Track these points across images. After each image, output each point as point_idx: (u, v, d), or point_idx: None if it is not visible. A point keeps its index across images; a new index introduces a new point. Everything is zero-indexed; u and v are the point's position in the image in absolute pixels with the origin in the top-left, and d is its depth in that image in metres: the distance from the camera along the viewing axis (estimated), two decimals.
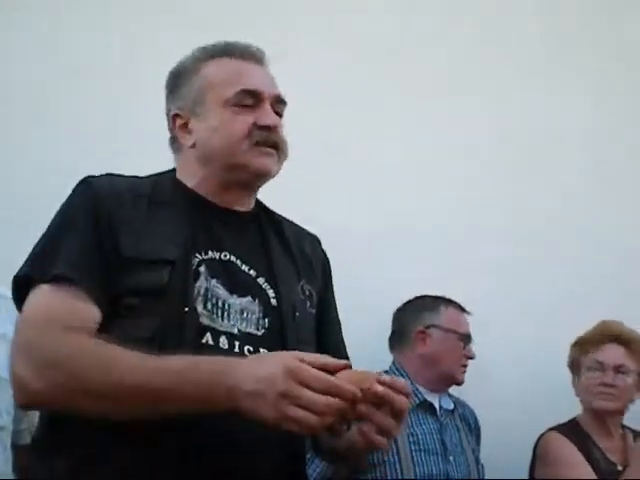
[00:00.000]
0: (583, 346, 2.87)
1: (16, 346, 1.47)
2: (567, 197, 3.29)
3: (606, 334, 2.84)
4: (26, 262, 1.52)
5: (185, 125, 1.64)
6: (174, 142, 1.68)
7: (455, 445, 2.70)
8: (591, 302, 3.11)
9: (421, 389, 2.73)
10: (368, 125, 3.05)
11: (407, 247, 3.06)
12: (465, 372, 2.79)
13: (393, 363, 2.82)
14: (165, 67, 2.45)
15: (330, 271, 1.80)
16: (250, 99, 1.59)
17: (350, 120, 2.96)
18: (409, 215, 3.09)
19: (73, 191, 1.57)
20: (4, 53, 2.80)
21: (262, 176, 1.62)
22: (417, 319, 2.82)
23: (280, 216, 1.75)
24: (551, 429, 2.78)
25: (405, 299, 2.89)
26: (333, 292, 1.80)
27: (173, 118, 1.66)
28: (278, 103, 1.65)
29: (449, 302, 2.85)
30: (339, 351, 1.73)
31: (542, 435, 2.78)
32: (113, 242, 1.48)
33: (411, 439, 2.60)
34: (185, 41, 2.72)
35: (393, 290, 2.92)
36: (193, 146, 1.62)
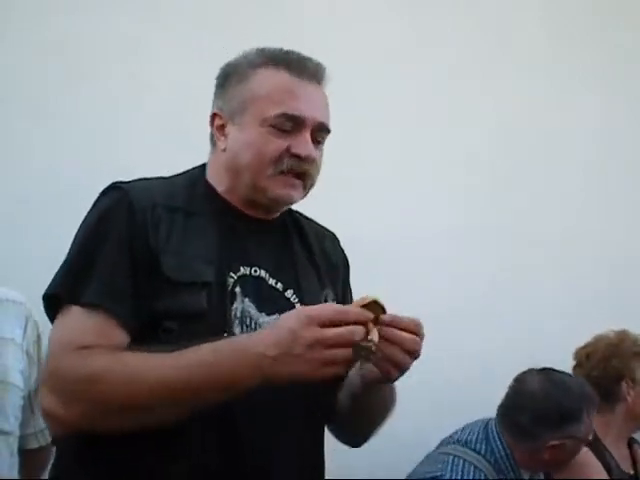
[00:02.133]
0: (618, 365, 2.84)
1: (45, 377, 1.48)
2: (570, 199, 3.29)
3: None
4: (57, 279, 1.50)
5: (222, 127, 1.61)
6: (212, 142, 1.65)
7: None
8: (594, 306, 3.13)
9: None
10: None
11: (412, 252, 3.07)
12: None
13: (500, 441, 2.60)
14: (167, 68, 2.45)
15: (349, 269, 1.81)
16: (290, 123, 1.54)
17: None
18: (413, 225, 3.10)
19: (104, 197, 1.54)
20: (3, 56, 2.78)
21: (282, 204, 1.62)
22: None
23: (301, 216, 1.74)
24: None
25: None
26: (351, 290, 1.81)
27: (213, 116, 1.63)
28: (321, 130, 1.59)
29: None
30: None
31: None
32: (151, 261, 1.46)
33: None
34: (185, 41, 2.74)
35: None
36: (224, 150, 1.60)
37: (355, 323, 1.32)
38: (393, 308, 2.76)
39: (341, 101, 2.86)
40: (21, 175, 2.68)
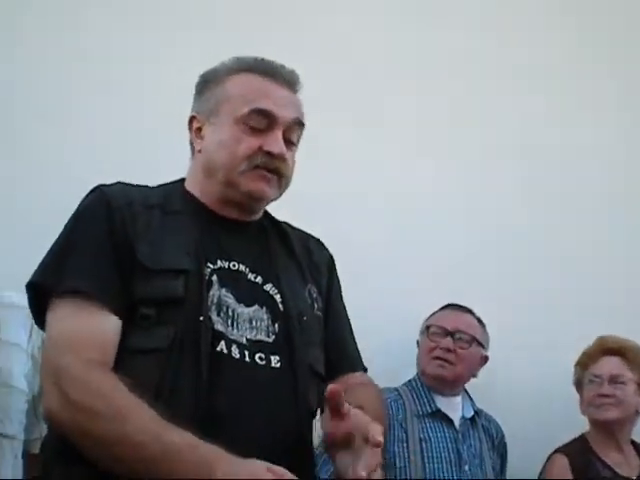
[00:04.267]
0: (583, 364, 2.92)
1: (44, 372, 1.47)
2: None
3: (601, 348, 2.89)
4: (40, 269, 1.51)
5: (199, 130, 1.65)
6: (191, 144, 1.69)
7: (473, 456, 2.68)
8: (611, 307, 3.12)
9: (437, 397, 2.72)
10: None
11: (423, 253, 3.06)
12: (440, 365, 2.72)
13: (417, 374, 2.82)
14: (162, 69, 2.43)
15: (335, 270, 1.81)
16: (263, 121, 1.58)
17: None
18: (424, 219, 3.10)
19: (85, 198, 1.57)
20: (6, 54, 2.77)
21: (256, 199, 1.62)
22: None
23: (284, 223, 1.76)
24: (557, 450, 2.79)
25: (424, 306, 2.89)
26: (340, 290, 1.80)
27: (191, 119, 1.67)
28: (294, 128, 1.63)
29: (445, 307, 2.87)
30: (346, 347, 1.75)
31: (550, 456, 2.80)
32: (129, 251, 1.48)
33: (423, 445, 2.60)
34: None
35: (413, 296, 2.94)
36: (200, 152, 1.64)
37: None
38: (413, 310, 2.81)
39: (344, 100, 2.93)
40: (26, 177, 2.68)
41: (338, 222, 2.76)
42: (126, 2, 2.90)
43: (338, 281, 1.80)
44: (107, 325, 1.45)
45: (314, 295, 1.68)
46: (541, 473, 2.80)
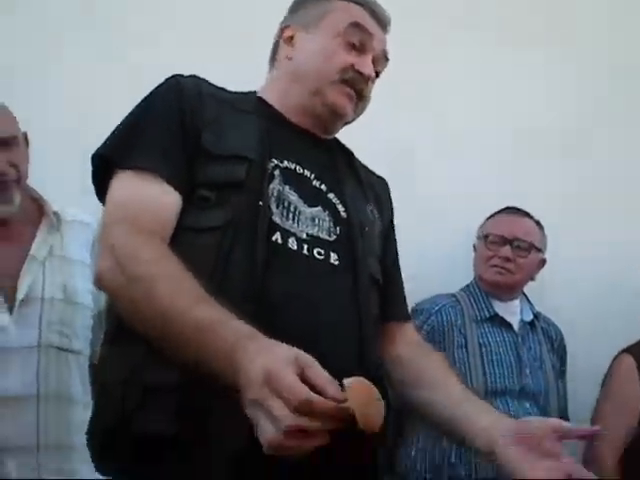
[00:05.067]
0: None
1: (100, 238, 1.49)
2: None
3: None
4: (108, 143, 1.53)
5: (291, 38, 1.69)
6: (273, 58, 1.74)
7: (533, 359, 2.68)
8: None
9: (495, 302, 2.72)
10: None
11: (475, 161, 3.02)
12: (498, 272, 2.70)
13: (474, 279, 2.81)
14: None
15: (393, 212, 1.82)
16: (359, 37, 1.64)
17: None
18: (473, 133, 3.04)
19: (159, 85, 1.59)
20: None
21: (336, 114, 1.64)
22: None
23: (354, 156, 1.77)
24: (624, 350, 2.75)
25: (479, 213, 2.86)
26: (394, 234, 1.81)
27: (282, 29, 1.72)
28: (381, 61, 1.69)
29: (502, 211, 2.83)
30: (396, 292, 1.76)
31: (616, 357, 2.76)
32: (195, 137, 1.50)
33: (483, 350, 2.60)
34: None
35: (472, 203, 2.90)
36: (290, 59, 1.67)
37: (310, 415, 1.10)
38: (468, 219, 2.78)
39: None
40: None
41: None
42: None
43: (394, 225, 1.81)
44: (166, 199, 1.46)
45: (375, 214, 1.69)
46: (607, 374, 2.77)
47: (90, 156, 1.52)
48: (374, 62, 1.66)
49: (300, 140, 1.63)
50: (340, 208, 1.59)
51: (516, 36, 3.08)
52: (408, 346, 1.69)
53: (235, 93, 1.67)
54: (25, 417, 2.08)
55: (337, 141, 1.75)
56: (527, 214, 2.79)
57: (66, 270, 2.22)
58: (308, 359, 1.15)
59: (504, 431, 1.40)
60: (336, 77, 1.61)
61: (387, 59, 1.71)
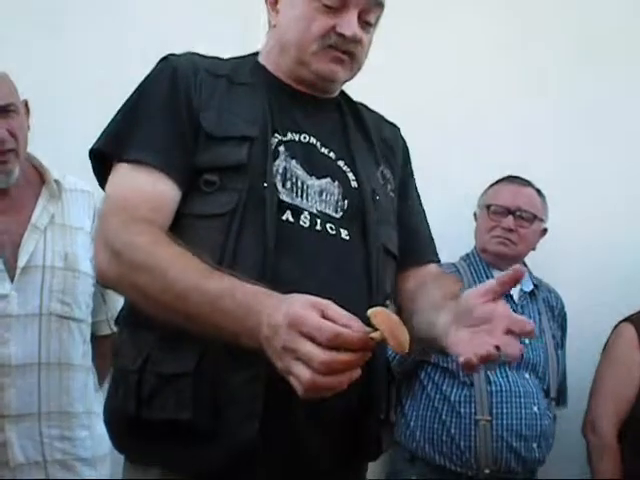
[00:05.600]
0: None
1: (98, 231, 1.50)
2: None
3: None
4: (104, 137, 1.52)
5: (275, 3, 1.60)
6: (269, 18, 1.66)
7: None
8: None
9: (495, 272, 2.70)
10: None
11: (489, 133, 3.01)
12: (502, 242, 2.69)
13: (474, 249, 2.81)
14: None
15: (409, 158, 1.78)
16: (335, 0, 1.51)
17: None
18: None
19: (153, 69, 1.57)
20: None
21: (325, 80, 1.58)
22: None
23: (360, 104, 1.73)
24: (625, 319, 2.76)
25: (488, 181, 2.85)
26: (414, 178, 1.78)
27: None
28: (371, 9, 1.56)
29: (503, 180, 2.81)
30: (419, 236, 1.72)
31: (616, 326, 2.77)
32: (193, 120, 1.48)
33: None
34: None
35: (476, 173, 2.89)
36: (275, 26, 1.61)
37: (344, 347, 1.13)
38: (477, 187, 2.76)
39: None
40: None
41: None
42: None
43: (412, 169, 1.77)
44: (163, 188, 1.45)
45: (387, 176, 1.66)
46: (607, 343, 2.78)
47: (88, 151, 1.52)
48: (362, 14, 1.54)
49: (303, 105, 1.59)
50: (351, 177, 1.57)
51: None
52: (417, 279, 1.65)
53: (234, 59, 1.64)
54: (27, 384, 2.09)
55: (344, 96, 1.70)
56: (529, 183, 2.77)
57: (67, 238, 2.21)
58: (326, 302, 1.18)
59: (449, 320, 1.34)
60: (315, 47, 1.52)
61: (380, 4, 1.58)
